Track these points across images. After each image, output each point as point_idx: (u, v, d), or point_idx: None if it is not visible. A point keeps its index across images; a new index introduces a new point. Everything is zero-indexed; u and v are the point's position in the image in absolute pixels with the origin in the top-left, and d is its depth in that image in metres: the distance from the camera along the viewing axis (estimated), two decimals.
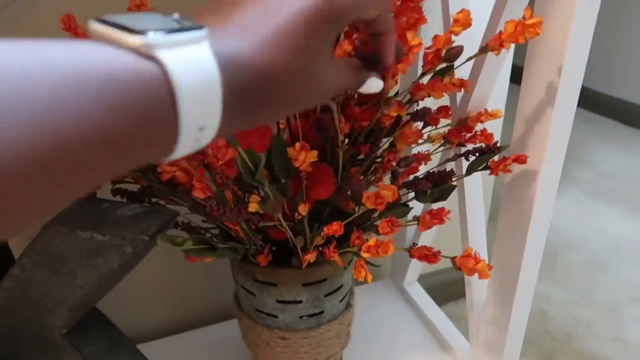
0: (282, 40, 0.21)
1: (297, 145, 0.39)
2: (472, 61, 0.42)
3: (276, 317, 0.51)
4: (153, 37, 0.18)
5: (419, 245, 0.42)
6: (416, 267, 0.74)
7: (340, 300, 0.53)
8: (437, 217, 0.36)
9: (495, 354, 0.54)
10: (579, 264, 1.02)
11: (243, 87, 0.21)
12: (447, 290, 0.88)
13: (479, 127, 0.48)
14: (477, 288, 0.56)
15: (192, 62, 0.18)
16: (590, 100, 1.94)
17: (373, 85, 0.30)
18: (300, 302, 0.50)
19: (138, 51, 0.18)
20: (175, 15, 0.20)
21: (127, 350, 0.48)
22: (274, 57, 0.21)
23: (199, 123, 0.19)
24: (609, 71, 1.90)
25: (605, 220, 1.18)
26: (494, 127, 0.51)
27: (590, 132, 1.73)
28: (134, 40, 0.18)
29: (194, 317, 0.71)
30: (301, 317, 0.51)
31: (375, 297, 0.74)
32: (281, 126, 0.47)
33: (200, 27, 0.19)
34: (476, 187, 0.52)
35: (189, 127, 0.19)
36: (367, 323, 0.68)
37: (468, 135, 0.49)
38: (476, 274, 0.36)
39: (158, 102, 0.18)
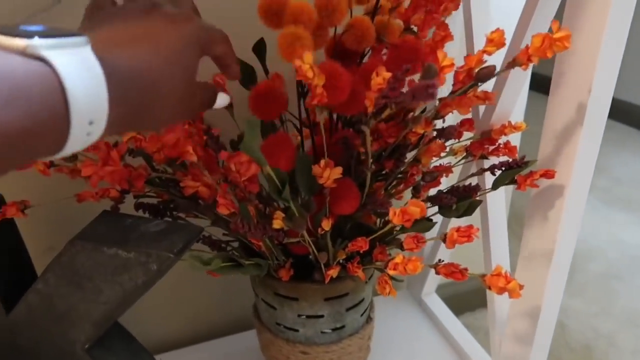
0: (161, 52, 0.26)
1: (322, 162, 0.38)
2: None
3: (297, 331, 0.51)
4: (38, 40, 0.20)
5: (442, 259, 0.42)
6: (434, 279, 0.73)
7: (362, 314, 0.53)
8: (466, 235, 0.36)
9: None
10: (597, 274, 1.00)
11: (126, 86, 0.23)
12: (464, 301, 0.87)
13: (502, 139, 0.48)
14: (500, 303, 0.55)
15: (76, 60, 0.21)
16: None
17: (223, 100, 0.35)
18: (321, 316, 0.49)
19: (24, 52, 0.20)
20: (55, 26, 0.22)
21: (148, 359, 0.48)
22: (152, 66, 0.25)
23: (89, 117, 0.21)
24: (624, 77, 1.88)
25: (621, 229, 1.16)
26: (513, 137, 0.51)
27: (605, 138, 1.69)
28: (19, 42, 0.20)
29: (212, 328, 0.71)
30: (322, 331, 0.51)
31: (393, 308, 0.73)
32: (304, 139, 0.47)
33: (81, 35, 0.22)
34: (500, 202, 0.52)
35: (79, 119, 0.21)
36: (385, 334, 0.68)
37: (491, 147, 0.48)
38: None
39: (48, 97, 0.20)
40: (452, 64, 0.35)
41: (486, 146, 0.48)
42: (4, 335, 0.46)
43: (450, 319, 0.69)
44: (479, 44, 0.51)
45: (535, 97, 0.44)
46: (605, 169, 1.47)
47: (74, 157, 0.36)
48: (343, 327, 0.51)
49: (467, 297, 0.86)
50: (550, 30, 0.33)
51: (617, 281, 0.98)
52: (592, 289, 0.96)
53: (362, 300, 0.52)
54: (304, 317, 0.49)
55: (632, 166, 1.50)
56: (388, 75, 0.32)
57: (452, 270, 0.39)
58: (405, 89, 0.33)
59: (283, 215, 0.39)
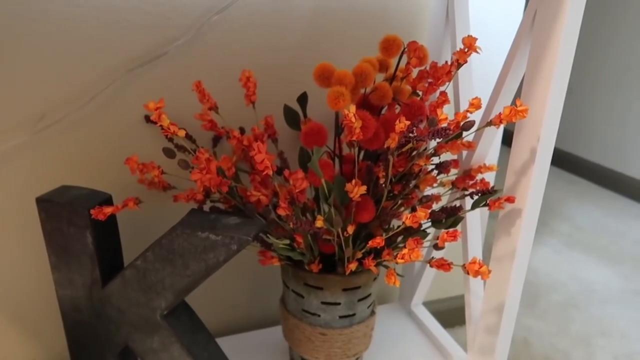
0: None
1: (353, 181, 0.55)
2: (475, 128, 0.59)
3: (319, 316, 0.65)
4: None
5: (434, 257, 0.58)
6: (421, 292, 0.88)
7: (368, 306, 0.67)
8: (452, 235, 0.52)
9: (488, 356, 0.68)
10: (558, 303, 1.17)
11: None
12: (445, 318, 1.01)
13: (478, 177, 0.65)
14: (475, 302, 0.71)
15: None
16: (571, 164, 2.16)
17: None
18: (339, 304, 0.64)
19: None
20: None
21: (204, 331, 0.61)
22: None
23: None
24: (588, 139, 2.12)
25: (580, 267, 1.34)
26: (489, 177, 0.68)
27: (570, 191, 1.93)
28: None
29: (240, 323, 0.84)
30: (339, 317, 0.65)
31: (385, 317, 0.88)
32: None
33: None
34: (476, 218, 0.68)
35: None
36: (380, 338, 0.82)
37: (471, 182, 0.65)
38: (479, 276, 0.51)
39: None
40: (447, 118, 0.52)
41: (467, 181, 0.65)
42: (96, 305, 0.59)
43: (433, 323, 0.84)
44: (464, 105, 0.69)
45: (507, 150, 0.61)
46: (569, 217, 1.67)
47: (188, 165, 0.52)
48: (354, 314, 0.66)
49: (447, 314, 1.00)
50: (515, 104, 0.51)
51: (574, 309, 1.15)
52: (553, 314, 1.12)
53: (370, 294, 0.67)
54: (326, 304, 0.64)
55: (592, 216, 1.70)
56: (408, 122, 0.48)
57: (442, 263, 0.54)
58: (414, 134, 0.50)
59: (323, 218, 0.55)
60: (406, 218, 0.50)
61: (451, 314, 1.01)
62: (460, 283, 0.99)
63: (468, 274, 0.51)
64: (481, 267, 0.50)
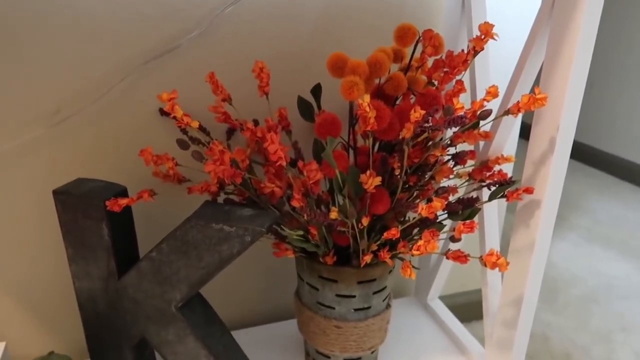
0: None
1: (368, 172, 0.54)
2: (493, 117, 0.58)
3: (333, 308, 0.64)
4: None
5: (450, 249, 0.57)
6: (438, 286, 0.87)
7: (384, 300, 0.67)
8: (469, 227, 0.51)
9: (506, 351, 0.67)
10: (577, 297, 1.15)
11: None
12: (461, 313, 1.00)
13: (496, 168, 0.64)
14: (492, 296, 0.70)
15: None
16: (591, 157, 2.12)
17: None
18: (354, 296, 0.63)
19: None
20: None
21: (219, 324, 0.61)
22: None
23: None
24: (609, 131, 2.08)
25: (600, 262, 1.31)
26: (507, 169, 0.67)
27: (589, 184, 1.89)
28: None
29: (254, 316, 0.84)
30: (354, 309, 0.64)
31: (401, 310, 0.87)
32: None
33: None
34: (493, 210, 0.67)
35: None
36: (396, 331, 0.81)
37: (488, 174, 0.64)
38: (496, 269, 0.50)
39: None
40: (463, 107, 0.51)
41: (484, 172, 0.64)
42: (113, 297, 0.59)
43: (450, 317, 0.83)
44: (480, 94, 0.68)
45: (524, 144, 0.59)
46: (589, 211, 1.64)
47: (201, 157, 0.52)
48: (369, 307, 0.65)
49: (464, 309, 0.99)
50: (533, 92, 0.50)
51: (594, 304, 1.12)
52: (572, 309, 1.10)
53: (385, 287, 0.66)
54: (340, 296, 0.63)
55: (611, 210, 1.66)
56: (423, 112, 0.47)
57: (459, 255, 0.53)
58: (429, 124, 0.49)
59: (337, 209, 0.54)
60: (422, 209, 0.49)
61: (468, 308, 1.00)
62: (477, 277, 0.98)
63: (485, 266, 0.50)
64: (499, 259, 0.49)
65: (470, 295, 1.01)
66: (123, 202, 0.52)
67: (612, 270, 1.28)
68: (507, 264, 0.49)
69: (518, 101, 0.50)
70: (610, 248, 1.40)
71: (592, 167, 2.10)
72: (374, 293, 0.64)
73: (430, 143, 0.57)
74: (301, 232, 0.54)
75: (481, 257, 0.51)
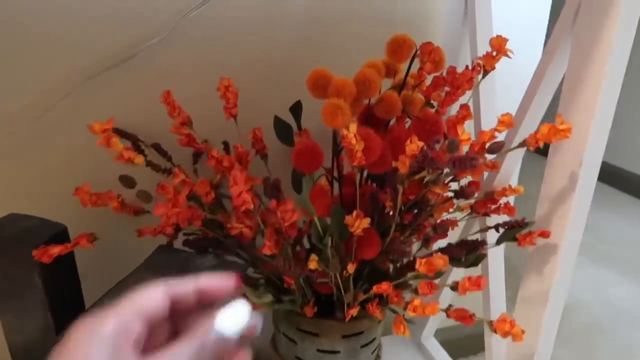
0: None
1: (354, 213, 0.45)
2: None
3: None
4: None
5: (451, 304, 0.48)
6: (433, 323, 0.78)
7: (372, 352, 0.58)
8: (476, 284, 0.42)
9: None
10: (582, 327, 1.07)
11: None
12: (459, 347, 0.92)
13: (502, 200, 0.55)
14: (497, 349, 0.61)
15: None
16: None
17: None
18: (338, 352, 0.54)
19: None
20: None
21: None
22: None
23: None
24: (610, 142, 2.01)
25: (605, 284, 1.24)
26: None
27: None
28: None
29: None
30: None
31: (393, 349, 0.78)
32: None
33: None
34: (499, 255, 0.58)
35: None
36: None
37: (493, 206, 0.55)
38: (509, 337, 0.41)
39: None
40: (469, 138, 0.42)
41: (489, 205, 0.55)
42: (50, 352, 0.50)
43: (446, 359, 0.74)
44: (486, 117, 0.59)
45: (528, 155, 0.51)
46: (591, 227, 1.56)
47: (149, 198, 0.42)
48: None
49: (462, 342, 0.90)
50: (550, 118, 0.41)
51: (600, 335, 1.04)
52: (577, 341, 1.02)
53: (374, 339, 0.57)
54: (322, 352, 0.54)
55: (616, 226, 1.59)
56: (421, 144, 0.38)
57: (463, 315, 0.45)
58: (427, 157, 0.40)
59: (317, 257, 0.45)
60: (420, 264, 0.40)
61: (465, 342, 0.92)
62: (476, 308, 0.89)
63: (496, 332, 0.41)
64: (513, 327, 0.40)
65: (467, 328, 0.92)
66: (54, 250, 0.42)
67: (617, 292, 1.21)
68: (523, 332, 0.40)
69: (536, 131, 0.41)
70: (614, 268, 1.32)
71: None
72: (362, 347, 0.55)
73: (428, 178, 0.48)
74: (270, 298, 0.45)
75: (491, 322, 0.42)
